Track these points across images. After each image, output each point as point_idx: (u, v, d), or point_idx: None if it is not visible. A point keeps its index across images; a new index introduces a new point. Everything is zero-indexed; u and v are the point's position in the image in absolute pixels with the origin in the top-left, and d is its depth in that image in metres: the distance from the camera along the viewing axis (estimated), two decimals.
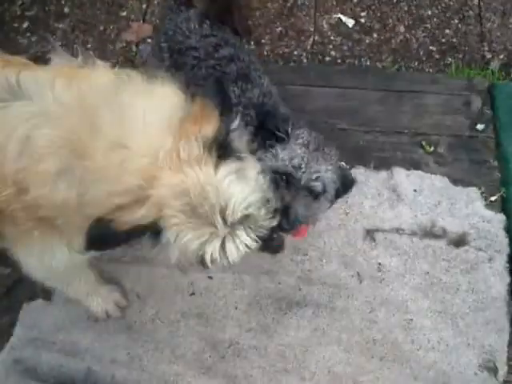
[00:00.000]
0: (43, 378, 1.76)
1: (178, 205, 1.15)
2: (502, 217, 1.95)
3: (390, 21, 2.66)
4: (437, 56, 2.56)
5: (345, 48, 2.60)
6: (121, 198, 1.15)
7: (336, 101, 2.27)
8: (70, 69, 1.28)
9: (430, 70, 2.51)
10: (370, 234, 1.97)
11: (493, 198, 1.99)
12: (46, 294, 1.92)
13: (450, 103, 2.24)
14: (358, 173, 2.06)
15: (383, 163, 2.11)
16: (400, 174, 2.04)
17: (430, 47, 2.59)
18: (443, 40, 2.59)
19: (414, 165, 2.10)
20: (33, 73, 1.24)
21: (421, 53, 2.58)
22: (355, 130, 2.21)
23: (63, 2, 2.75)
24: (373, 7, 2.68)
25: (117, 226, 1.14)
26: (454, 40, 2.60)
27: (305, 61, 2.57)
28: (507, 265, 1.88)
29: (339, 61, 2.55)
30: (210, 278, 1.94)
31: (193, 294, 1.92)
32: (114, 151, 1.15)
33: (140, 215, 1.15)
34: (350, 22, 2.67)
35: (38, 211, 1.23)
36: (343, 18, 2.67)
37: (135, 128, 1.17)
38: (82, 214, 1.20)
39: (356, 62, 2.55)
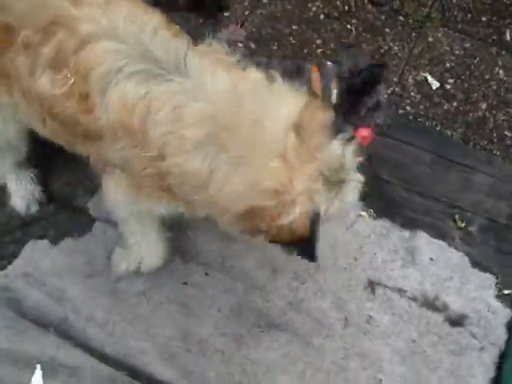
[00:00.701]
0: (22, 312, 1.92)
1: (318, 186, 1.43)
2: (508, 312, 1.94)
3: (475, 95, 2.73)
4: (509, 142, 2.62)
5: (421, 107, 2.69)
6: (259, 197, 1.41)
7: (385, 149, 2.36)
8: (228, 61, 1.53)
9: (497, 153, 2.58)
10: (371, 285, 2.02)
11: (506, 292, 1.99)
12: (55, 237, 2.11)
13: (497, 187, 2.29)
14: (382, 225, 2.14)
15: (410, 223, 2.17)
16: (422, 239, 2.10)
17: (506, 132, 2.65)
18: None
19: (440, 234, 2.14)
20: (199, 54, 1.47)
21: (494, 134, 2.62)
22: (394, 184, 2.28)
23: None
24: (462, 77, 2.76)
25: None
26: None
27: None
28: (496, 360, 1.86)
29: (411, 117, 2.65)
30: (207, 274, 2.06)
31: (185, 283, 2.04)
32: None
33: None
34: (435, 85, 2.77)
35: (165, 179, 1.48)
36: (429, 79, 2.77)
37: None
38: (205, 194, 1.45)
39: (427, 123, 2.66)
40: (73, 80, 1.43)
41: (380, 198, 2.21)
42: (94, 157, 1.65)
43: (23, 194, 2.15)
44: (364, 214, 2.18)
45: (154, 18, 1.49)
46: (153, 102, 1.40)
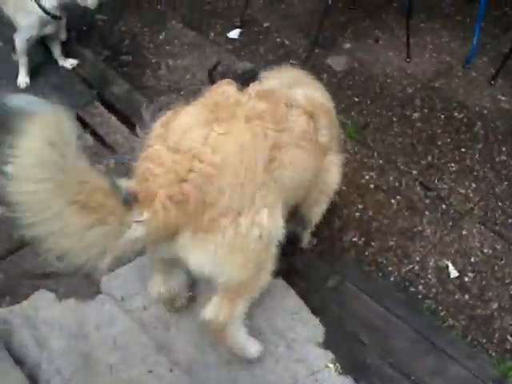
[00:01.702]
0: (8, 344, 2.29)
1: None
2: None
3: (490, 294, 2.84)
4: (508, 347, 2.65)
5: (433, 290, 2.85)
6: None
7: (372, 314, 2.56)
8: None
9: (493, 354, 2.61)
10: None
11: None
12: (63, 294, 2.52)
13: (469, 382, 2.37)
14: (344, 383, 2.32)
15: None
16: None
17: (508, 336, 2.70)
18: None
19: None
20: None
21: (496, 335, 2.67)
22: (371, 348, 2.45)
23: None
24: (483, 274, 2.89)
25: None
26: None
27: (392, 279, 2.90)
28: None
29: (419, 296, 2.82)
30: (171, 371, 2.34)
31: (150, 371, 2.29)
32: None
33: None
34: (454, 274, 2.93)
35: None
36: (450, 267, 2.94)
37: None
38: None
39: (434, 305, 2.81)
40: None
41: (351, 357, 2.38)
42: None
43: None
44: (331, 366, 2.35)
45: None
46: None
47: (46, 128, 1.58)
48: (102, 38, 4.05)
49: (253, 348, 2.32)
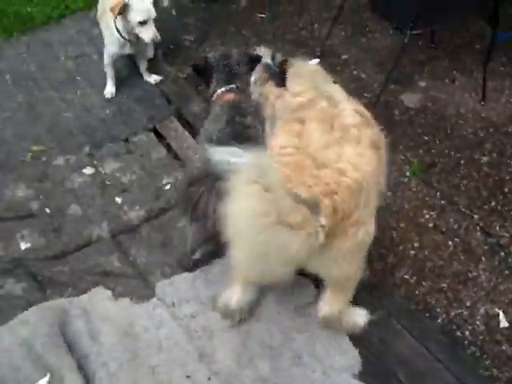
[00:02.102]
0: (63, 332, 2.52)
1: None
2: None
3: None
4: None
5: (480, 337, 2.83)
6: None
7: (417, 358, 2.60)
8: None
9: None
10: None
11: None
12: (119, 294, 2.74)
13: None
14: None
15: None
16: None
17: None
18: None
19: None
20: None
21: None
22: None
23: None
24: None
25: None
26: None
27: (439, 321, 2.88)
28: None
29: (465, 342, 2.80)
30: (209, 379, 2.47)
31: (188, 377, 2.45)
32: None
33: None
34: (504, 323, 2.89)
35: None
36: (501, 316, 2.91)
37: None
38: None
39: (478, 353, 2.79)
40: None
41: None
42: None
43: None
44: None
45: None
46: None
47: (257, 174, 1.82)
48: (187, 57, 4.30)
49: (361, 318, 2.65)
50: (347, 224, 2.13)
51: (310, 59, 4.21)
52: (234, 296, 2.54)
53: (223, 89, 2.96)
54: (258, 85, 2.74)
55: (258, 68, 2.76)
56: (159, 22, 3.98)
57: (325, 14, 4.69)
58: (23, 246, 2.98)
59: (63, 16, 4.77)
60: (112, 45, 3.79)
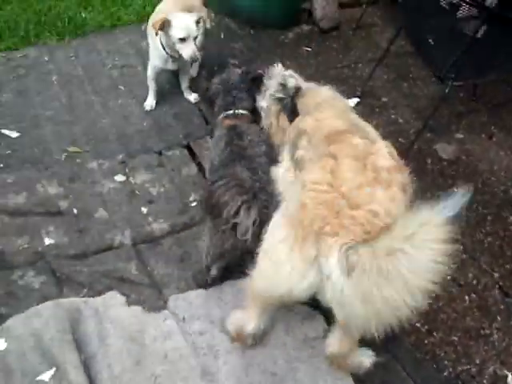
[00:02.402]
0: (74, 328, 2.61)
1: None
2: None
3: None
4: None
5: None
6: None
7: None
8: None
9: None
10: None
11: None
12: (132, 301, 2.82)
13: None
14: None
15: None
16: None
17: None
18: None
19: None
20: None
21: None
22: None
23: None
24: None
25: None
26: None
27: (445, 374, 2.88)
28: None
29: None
30: None
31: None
32: None
33: None
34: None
35: None
36: (509, 378, 2.91)
37: None
38: None
39: None
40: None
41: None
42: None
43: None
44: None
45: None
46: None
47: None
48: None
49: (367, 359, 2.66)
50: None
51: (349, 98, 4.35)
52: (252, 322, 2.58)
53: (223, 115, 3.22)
54: (270, 115, 2.85)
55: (269, 95, 2.87)
56: (207, 44, 4.15)
57: (369, 55, 4.83)
58: (47, 241, 3.10)
59: (115, 26, 4.99)
60: (156, 59, 3.94)
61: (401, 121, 4.25)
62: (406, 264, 1.90)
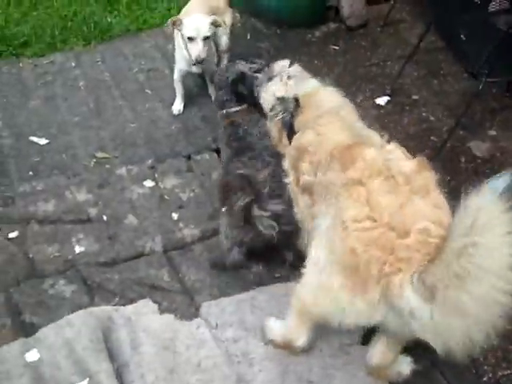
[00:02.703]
0: (106, 337, 2.61)
1: None
2: None
3: None
4: None
5: None
6: None
7: None
8: None
9: None
10: None
11: None
12: (164, 309, 2.81)
13: None
14: None
15: None
16: None
17: None
18: None
19: None
20: None
21: None
22: None
23: None
24: None
25: None
26: None
27: (485, 379, 2.78)
28: None
29: None
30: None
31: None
32: None
33: None
34: None
35: None
36: None
37: None
38: None
39: None
40: None
41: None
42: None
43: None
44: None
45: None
46: None
47: None
48: None
49: (406, 367, 2.61)
50: None
51: (379, 96, 4.29)
52: (302, 337, 2.53)
53: (223, 111, 3.28)
54: (272, 128, 2.75)
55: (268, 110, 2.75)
56: (233, 44, 4.12)
57: (398, 52, 4.73)
58: (77, 249, 3.11)
59: (140, 29, 5.00)
60: (180, 61, 3.94)
61: (432, 118, 4.16)
62: (483, 253, 1.72)
